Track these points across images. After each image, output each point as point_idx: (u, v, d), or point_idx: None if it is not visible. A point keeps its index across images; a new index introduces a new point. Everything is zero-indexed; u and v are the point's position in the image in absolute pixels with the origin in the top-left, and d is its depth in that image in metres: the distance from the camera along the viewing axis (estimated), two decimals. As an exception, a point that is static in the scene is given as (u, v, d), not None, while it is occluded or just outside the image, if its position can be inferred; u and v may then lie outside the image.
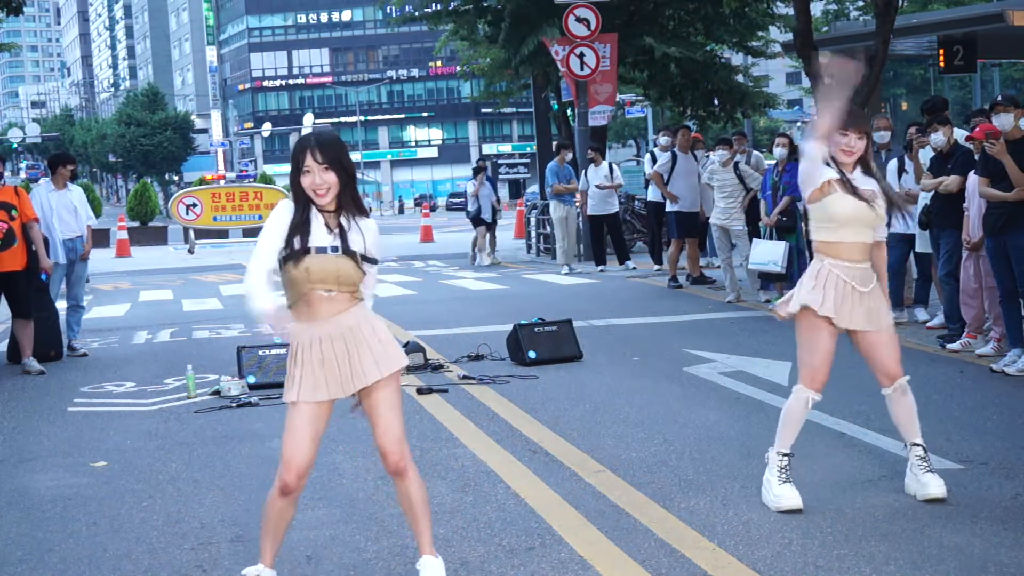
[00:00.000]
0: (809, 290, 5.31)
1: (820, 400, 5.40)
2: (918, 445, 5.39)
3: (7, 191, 10.09)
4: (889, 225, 5.77)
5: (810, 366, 5.36)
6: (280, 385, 8.89)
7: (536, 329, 9.54)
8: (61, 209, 11.09)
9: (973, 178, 8.93)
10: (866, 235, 5.33)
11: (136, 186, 38.12)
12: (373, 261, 4.33)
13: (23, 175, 77.42)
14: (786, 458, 5.33)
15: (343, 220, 4.27)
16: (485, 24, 24.27)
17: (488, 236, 21.38)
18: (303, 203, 4.25)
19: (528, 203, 25.49)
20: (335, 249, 4.23)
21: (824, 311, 5.25)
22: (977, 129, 8.87)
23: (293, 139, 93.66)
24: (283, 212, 4.29)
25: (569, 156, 18.57)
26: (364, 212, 4.34)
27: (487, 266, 20.57)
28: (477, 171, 21.57)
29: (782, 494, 5.22)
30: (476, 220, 21.27)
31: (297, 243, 4.21)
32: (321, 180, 4.18)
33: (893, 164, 10.68)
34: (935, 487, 5.26)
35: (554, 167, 18.64)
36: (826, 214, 5.29)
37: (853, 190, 5.27)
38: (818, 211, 5.33)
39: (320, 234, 4.23)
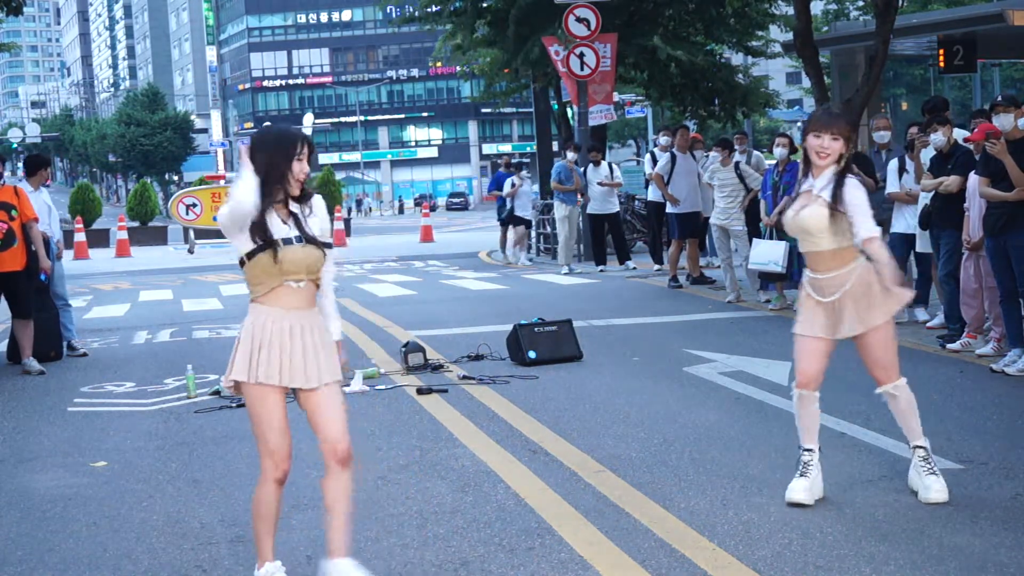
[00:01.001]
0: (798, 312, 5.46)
1: (816, 396, 5.40)
2: (920, 447, 5.38)
3: (7, 191, 10.10)
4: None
5: (795, 363, 5.46)
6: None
7: (536, 329, 9.53)
8: (40, 211, 11.09)
9: (973, 178, 8.93)
10: (819, 243, 5.24)
11: (136, 186, 38.12)
12: (329, 246, 4.40)
13: (20, 174, 77.24)
14: (807, 452, 5.38)
15: (293, 208, 4.34)
16: (485, 25, 24.25)
17: (509, 236, 20.97)
18: (270, 197, 4.26)
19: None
20: (299, 239, 4.29)
21: (805, 333, 5.37)
22: (976, 130, 8.87)
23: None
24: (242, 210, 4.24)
25: (571, 156, 18.49)
26: (307, 197, 4.39)
27: (502, 266, 20.29)
28: (518, 168, 20.98)
29: (791, 486, 5.30)
30: (514, 220, 20.66)
31: (259, 237, 4.24)
32: (306, 168, 4.31)
33: (894, 164, 10.68)
34: (936, 491, 5.24)
35: (560, 167, 18.60)
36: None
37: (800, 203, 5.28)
38: None
39: (277, 225, 4.29)
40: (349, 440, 4.39)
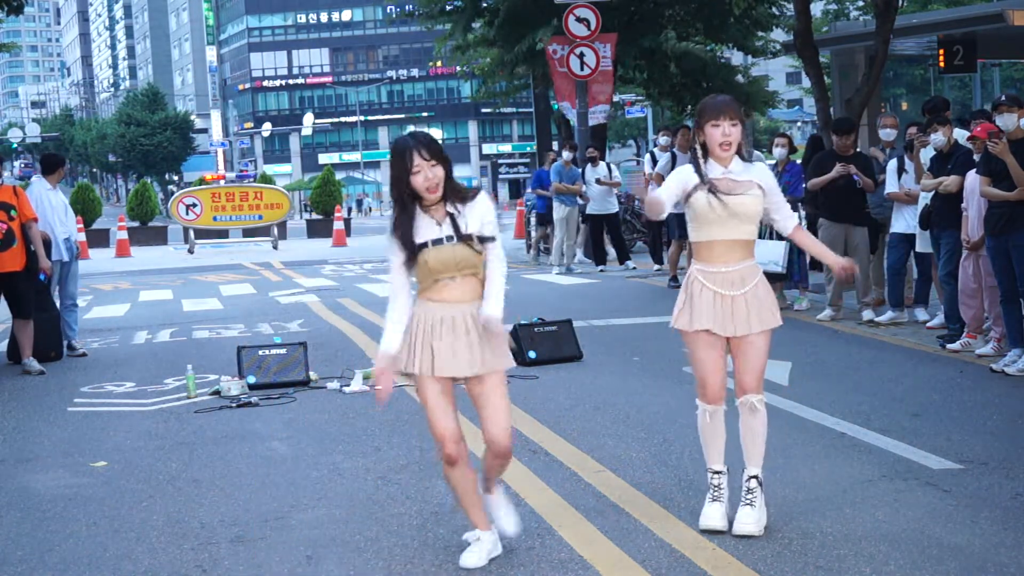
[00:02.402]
0: (679, 307, 5.01)
1: (723, 409, 5.05)
2: (753, 477, 4.98)
3: (6, 191, 10.08)
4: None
5: (698, 379, 5.07)
6: (280, 385, 8.94)
7: (536, 329, 9.53)
8: (59, 208, 11.14)
9: (971, 178, 8.93)
10: (741, 232, 4.90)
11: (136, 186, 38.08)
12: (490, 239, 4.57)
13: (17, 172, 77.16)
14: (717, 476, 5.05)
15: (449, 208, 4.54)
16: (484, 25, 24.26)
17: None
18: (408, 203, 4.53)
19: (528, 203, 25.51)
20: (450, 239, 4.50)
21: (696, 326, 4.94)
22: (979, 128, 8.86)
23: (293, 139, 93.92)
24: (388, 234, 4.63)
25: (569, 155, 18.42)
26: (467, 197, 4.59)
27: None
28: (595, 160, 20.00)
29: (705, 513, 4.99)
30: (585, 218, 19.08)
31: (407, 242, 4.52)
32: (432, 175, 4.47)
33: (893, 164, 10.69)
34: (745, 523, 4.88)
35: (559, 167, 18.55)
36: (692, 212, 4.94)
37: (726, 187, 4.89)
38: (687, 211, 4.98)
39: (430, 228, 4.51)
40: (509, 436, 4.63)
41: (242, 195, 30.90)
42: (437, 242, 4.49)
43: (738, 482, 5.09)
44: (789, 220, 5.08)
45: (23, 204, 10.11)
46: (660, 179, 15.16)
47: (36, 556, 5.09)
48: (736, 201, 4.87)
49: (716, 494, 5.03)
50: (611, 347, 10.20)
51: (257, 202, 30.60)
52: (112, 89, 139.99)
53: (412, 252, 4.51)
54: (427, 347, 4.53)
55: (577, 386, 8.44)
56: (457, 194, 4.56)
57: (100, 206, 34.80)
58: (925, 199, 9.89)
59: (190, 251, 29.26)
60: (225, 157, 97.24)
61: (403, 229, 4.53)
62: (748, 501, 4.96)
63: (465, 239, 4.51)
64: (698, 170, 4.95)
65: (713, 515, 4.97)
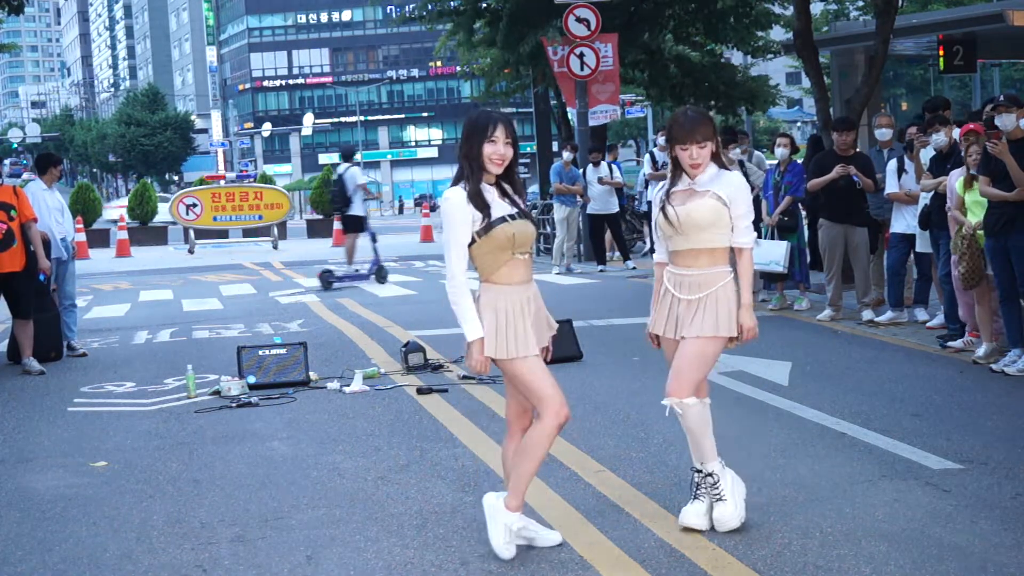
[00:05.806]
0: (652, 309, 5.17)
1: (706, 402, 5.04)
2: (708, 475, 5.01)
3: (6, 191, 10.08)
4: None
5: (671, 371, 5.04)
6: (280, 385, 8.93)
7: (536, 329, 9.52)
8: (55, 208, 11.14)
9: (954, 177, 8.94)
10: (701, 240, 4.92)
11: (136, 186, 38.08)
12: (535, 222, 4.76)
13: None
14: (697, 475, 5.06)
15: (504, 187, 4.69)
16: (484, 25, 24.24)
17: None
18: (475, 176, 4.62)
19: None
20: (518, 215, 4.66)
21: (651, 329, 5.15)
22: (970, 125, 8.86)
23: (293, 139, 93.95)
24: (458, 201, 4.61)
25: (569, 156, 18.43)
26: (515, 183, 4.76)
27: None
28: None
29: (684, 510, 5.02)
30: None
31: (486, 215, 4.60)
32: (504, 151, 4.62)
33: (892, 164, 10.68)
34: (729, 516, 4.94)
35: (559, 168, 18.55)
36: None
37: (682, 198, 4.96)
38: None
39: (500, 204, 4.64)
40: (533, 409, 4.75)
41: (242, 195, 30.91)
42: (512, 216, 4.63)
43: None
44: (741, 237, 4.98)
45: (23, 204, 10.11)
46: (661, 178, 15.18)
47: (36, 556, 5.09)
48: (684, 211, 4.92)
49: (697, 492, 5.03)
50: (611, 347, 10.20)
51: (257, 202, 30.62)
52: (112, 89, 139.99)
53: (501, 222, 4.60)
54: (527, 327, 4.67)
55: (577, 386, 8.43)
56: (509, 179, 4.71)
57: (100, 206, 34.81)
58: (925, 199, 9.89)
59: (190, 251, 29.25)
60: (225, 157, 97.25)
61: (481, 199, 4.60)
62: (717, 496, 4.98)
63: (526, 215, 4.69)
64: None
65: (692, 512, 4.99)
